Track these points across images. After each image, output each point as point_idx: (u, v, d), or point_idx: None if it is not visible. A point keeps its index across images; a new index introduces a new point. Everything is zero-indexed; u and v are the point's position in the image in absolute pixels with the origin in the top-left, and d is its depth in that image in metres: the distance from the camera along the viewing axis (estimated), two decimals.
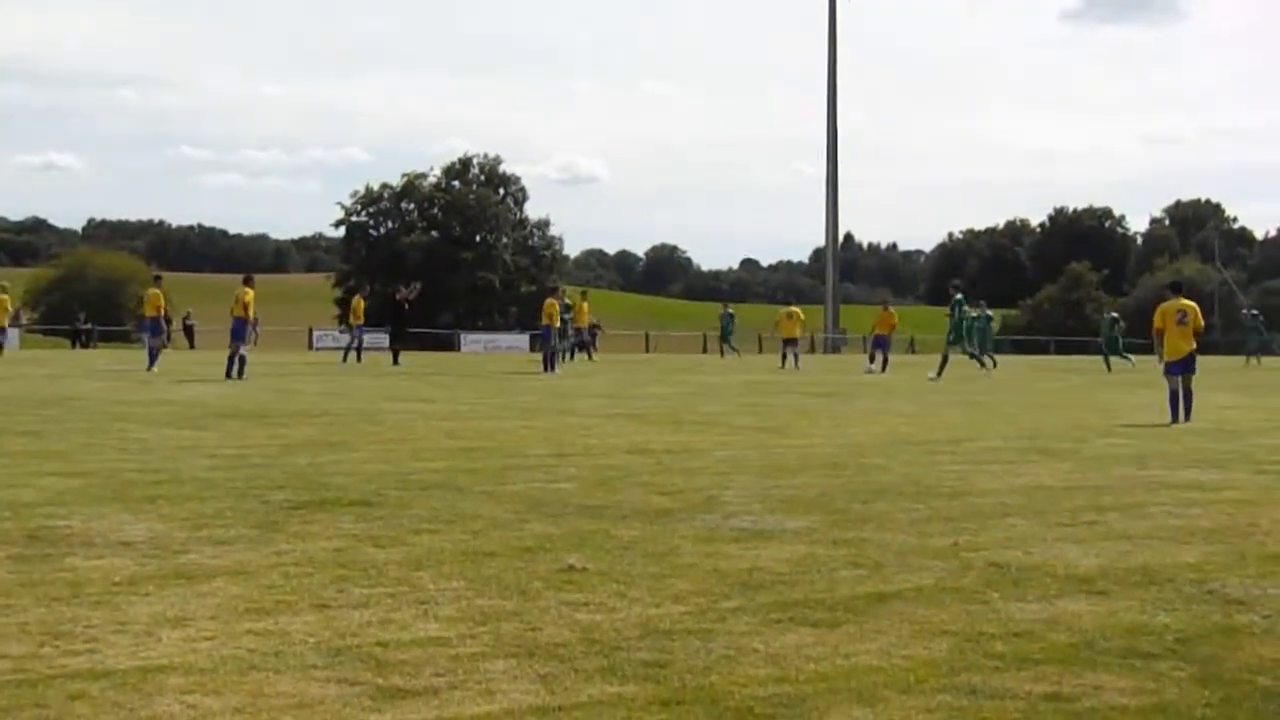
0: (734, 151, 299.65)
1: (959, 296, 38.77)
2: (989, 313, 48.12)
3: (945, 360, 37.66)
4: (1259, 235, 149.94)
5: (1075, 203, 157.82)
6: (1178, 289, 22.83)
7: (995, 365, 45.02)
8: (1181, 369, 21.09)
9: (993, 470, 13.65)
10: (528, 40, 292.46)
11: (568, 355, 45.26)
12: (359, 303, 46.61)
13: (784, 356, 46.76)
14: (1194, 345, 21.30)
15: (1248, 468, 14.21)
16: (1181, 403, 20.79)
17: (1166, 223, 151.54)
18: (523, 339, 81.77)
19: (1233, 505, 11.21)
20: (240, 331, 31.53)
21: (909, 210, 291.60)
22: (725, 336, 54.58)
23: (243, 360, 30.56)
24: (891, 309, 45.81)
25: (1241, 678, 5.78)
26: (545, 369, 37.64)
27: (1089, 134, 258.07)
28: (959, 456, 15.03)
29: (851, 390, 30.78)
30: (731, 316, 55.30)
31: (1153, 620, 6.82)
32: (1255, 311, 56.48)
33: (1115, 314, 49.71)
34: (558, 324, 39.41)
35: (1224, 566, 8.37)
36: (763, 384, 33.38)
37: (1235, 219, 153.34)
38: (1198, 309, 21.73)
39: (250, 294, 32.08)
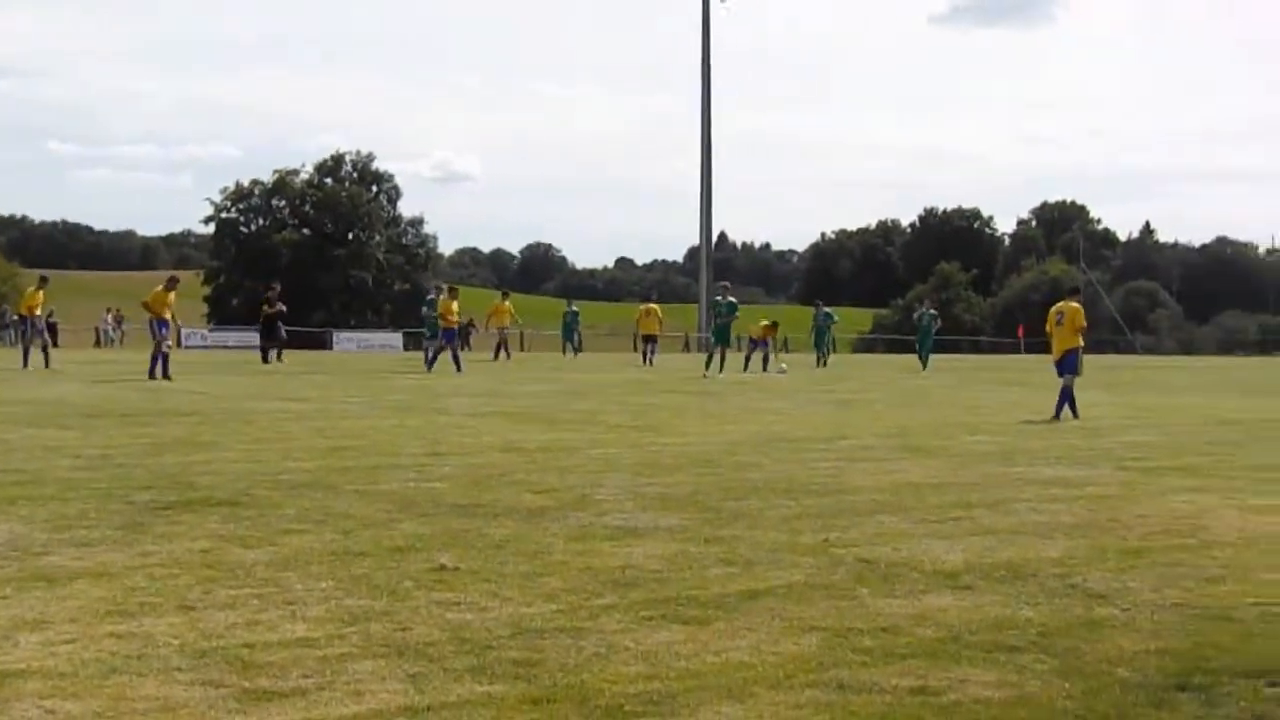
0: (609, 150, 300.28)
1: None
2: (827, 311, 48.83)
3: (723, 357, 37.63)
4: (1122, 237, 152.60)
5: (945, 203, 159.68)
6: (1074, 292, 23.41)
7: (825, 364, 45.79)
8: (1060, 368, 21.77)
9: (863, 468, 13.78)
10: (402, 37, 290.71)
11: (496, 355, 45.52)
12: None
13: (644, 354, 46.96)
14: (1074, 344, 21.77)
15: (1110, 464, 14.47)
16: (1057, 399, 21.24)
17: (1034, 224, 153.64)
18: (396, 337, 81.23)
19: (1095, 501, 11.41)
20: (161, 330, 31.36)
21: (782, 210, 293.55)
22: (568, 334, 53.96)
23: (165, 358, 30.11)
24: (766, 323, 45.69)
25: (1102, 669, 5.88)
26: (430, 368, 37.30)
27: (958, 136, 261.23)
28: (831, 454, 15.15)
29: (726, 389, 30.91)
30: (576, 314, 54.93)
31: (1017, 614, 6.93)
32: None
33: (935, 310, 50.08)
34: (456, 323, 39.04)
35: (1086, 561, 8.52)
36: (637, 382, 33.42)
37: (1100, 221, 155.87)
38: (1078, 310, 22.14)
39: (170, 296, 31.72)
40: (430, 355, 38.39)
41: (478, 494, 11.31)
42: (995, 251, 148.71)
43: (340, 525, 9.50)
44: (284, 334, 41.85)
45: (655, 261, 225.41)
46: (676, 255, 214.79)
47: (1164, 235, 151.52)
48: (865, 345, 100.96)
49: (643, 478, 12.63)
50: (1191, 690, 5.60)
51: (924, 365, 44.64)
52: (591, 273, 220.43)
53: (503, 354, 46.61)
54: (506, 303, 48.50)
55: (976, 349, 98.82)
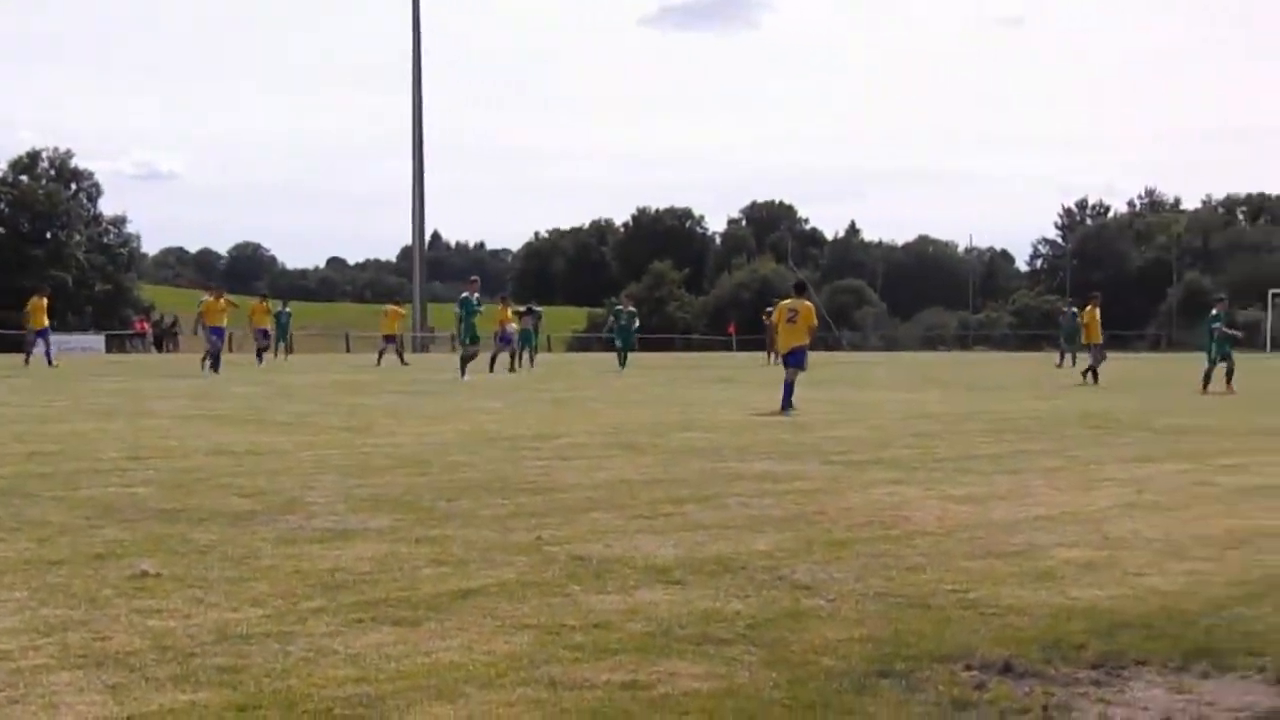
0: (320, 149, 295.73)
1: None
2: (538, 309, 49.42)
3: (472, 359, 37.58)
4: (829, 236, 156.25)
5: (657, 203, 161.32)
6: (800, 289, 24.28)
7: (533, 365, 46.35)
8: (787, 361, 22.72)
9: (576, 465, 13.85)
10: (100, 32, 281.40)
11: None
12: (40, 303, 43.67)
13: (381, 353, 46.73)
14: (803, 341, 22.73)
15: (817, 459, 14.79)
16: (782, 392, 21.86)
17: (744, 223, 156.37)
18: (98, 340, 78.90)
19: (802, 495, 11.64)
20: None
21: (496, 209, 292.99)
22: (280, 335, 53.08)
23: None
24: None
25: (808, 659, 5.99)
26: (212, 370, 36.14)
27: (668, 136, 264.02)
28: (544, 452, 15.18)
29: (440, 388, 30.76)
30: (289, 315, 54.17)
31: (726, 607, 7.02)
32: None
33: (634, 309, 50.70)
34: (224, 324, 37.96)
35: (793, 553, 8.69)
36: (350, 384, 33.07)
37: (807, 220, 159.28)
38: (811, 309, 22.88)
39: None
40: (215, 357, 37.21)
41: (182, 498, 11.03)
42: (706, 250, 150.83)
43: (36, 533, 9.15)
44: None
45: (368, 261, 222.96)
46: (390, 254, 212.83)
47: (869, 234, 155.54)
48: (580, 344, 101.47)
49: (354, 479, 12.49)
50: (893, 676, 5.74)
51: (623, 364, 44.97)
52: (303, 273, 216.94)
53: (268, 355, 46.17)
54: (266, 303, 47.63)
55: (689, 346, 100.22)
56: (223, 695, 5.38)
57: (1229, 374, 30.15)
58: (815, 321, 23.06)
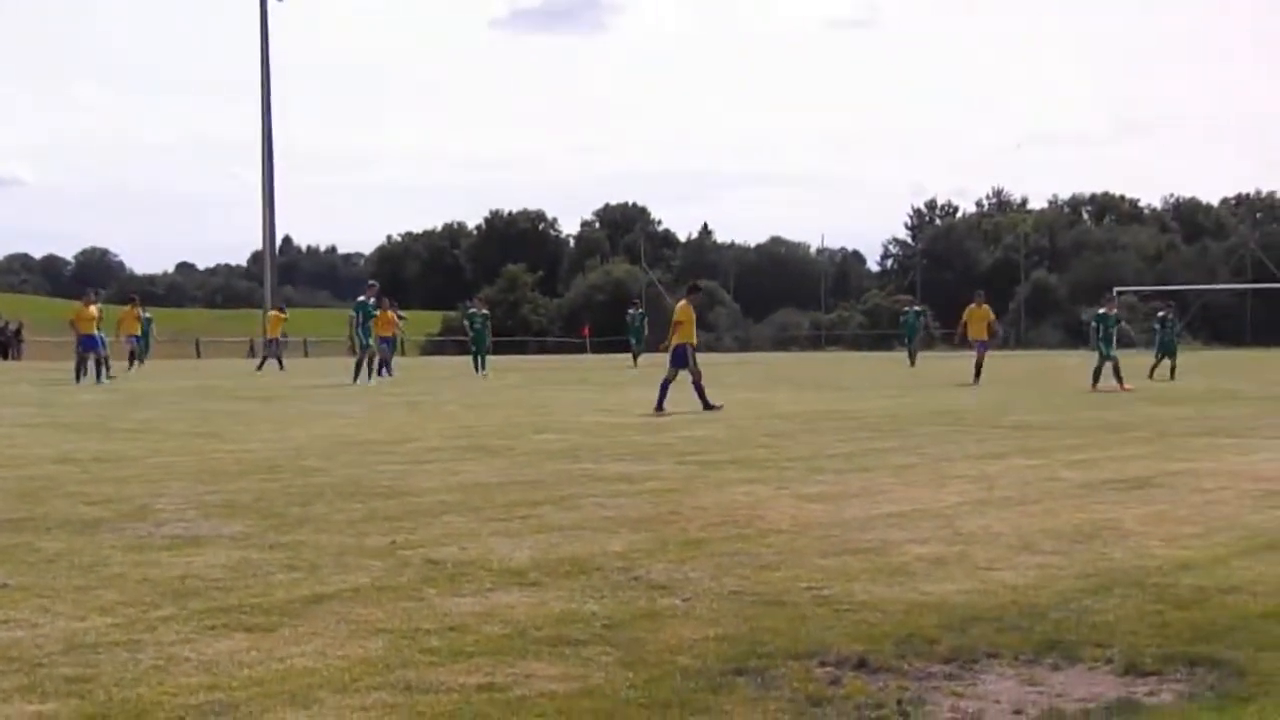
0: (168, 154, 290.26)
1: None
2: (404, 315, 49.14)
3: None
4: (682, 238, 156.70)
5: (510, 206, 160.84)
6: (692, 290, 24.76)
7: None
8: (675, 362, 23.62)
9: (431, 469, 13.78)
10: None
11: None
12: None
13: (264, 359, 46.62)
14: (684, 339, 23.81)
15: (672, 459, 14.86)
16: (661, 390, 23.00)
17: (597, 225, 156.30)
18: None
19: (657, 495, 11.68)
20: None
21: (347, 213, 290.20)
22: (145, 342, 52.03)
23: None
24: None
25: (664, 658, 6.01)
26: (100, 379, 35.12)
27: (521, 139, 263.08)
28: (399, 456, 15.10)
29: (293, 394, 30.46)
30: (149, 320, 53.23)
31: (582, 608, 7.03)
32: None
33: (486, 311, 50.37)
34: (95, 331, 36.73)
35: (648, 553, 8.72)
36: (201, 389, 32.63)
37: (660, 222, 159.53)
38: (680, 307, 24.15)
39: None
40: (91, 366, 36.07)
41: (29, 507, 10.82)
42: (560, 253, 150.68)
43: None
44: None
45: (219, 266, 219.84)
46: (240, 259, 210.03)
47: (722, 236, 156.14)
48: (435, 347, 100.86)
49: (205, 485, 12.33)
50: (748, 674, 5.78)
51: (480, 367, 44.78)
52: (151, 278, 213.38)
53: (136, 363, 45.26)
54: (135, 309, 46.74)
55: (544, 349, 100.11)
56: (71, 705, 5.28)
57: (1116, 371, 30.27)
58: (682, 319, 23.62)
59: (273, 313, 49.90)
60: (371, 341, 36.26)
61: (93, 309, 36.69)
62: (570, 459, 14.81)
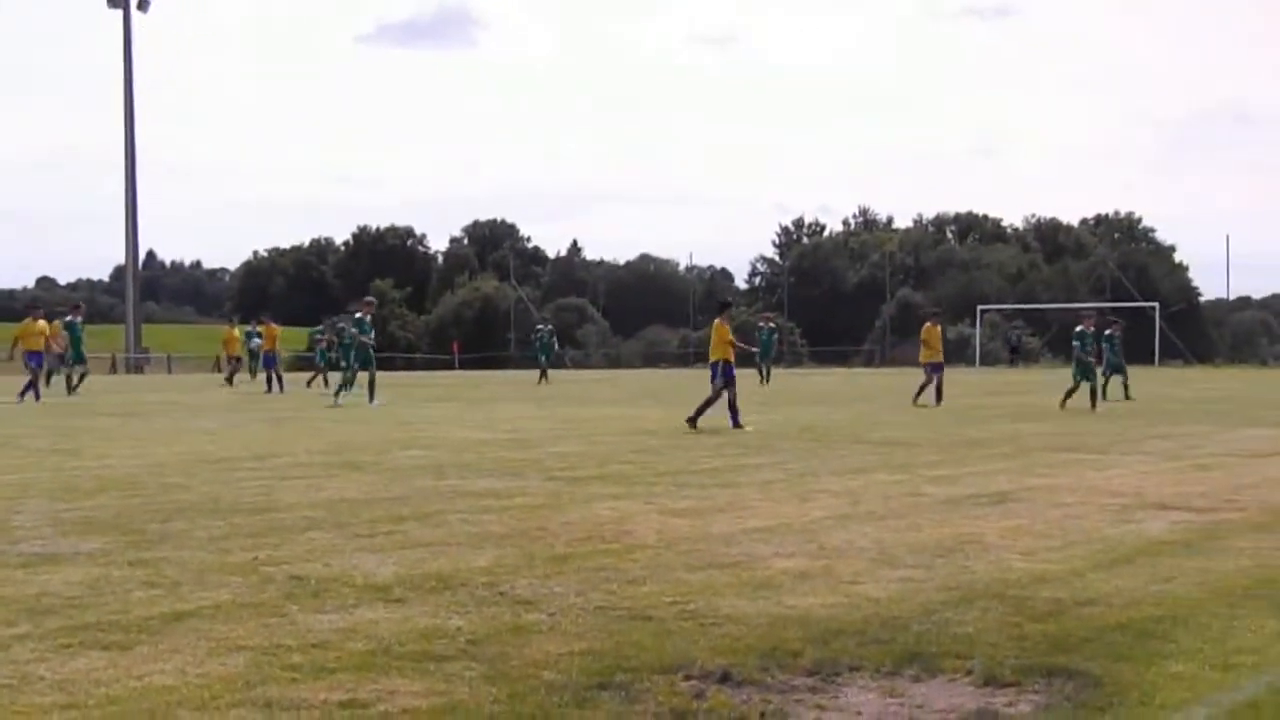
0: (26, 167, 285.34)
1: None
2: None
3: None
4: (551, 254, 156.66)
5: (378, 222, 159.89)
6: (723, 306, 25.41)
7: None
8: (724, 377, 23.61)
9: (296, 485, 13.65)
10: None
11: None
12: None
13: (233, 374, 47.00)
14: (717, 356, 24.15)
15: (539, 475, 14.84)
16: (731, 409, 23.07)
17: (465, 242, 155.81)
18: None
19: (525, 511, 11.66)
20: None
21: (212, 228, 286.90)
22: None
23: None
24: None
25: (529, 673, 6.01)
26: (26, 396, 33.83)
27: (389, 154, 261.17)
28: (263, 472, 14.94)
29: (154, 409, 30.04)
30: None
31: (446, 624, 7.00)
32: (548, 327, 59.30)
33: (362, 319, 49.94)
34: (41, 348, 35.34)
35: (514, 569, 8.70)
36: (59, 406, 32.07)
37: (529, 239, 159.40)
38: (716, 326, 24.43)
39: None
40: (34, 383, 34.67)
41: None
42: (429, 269, 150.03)
43: None
44: None
45: (80, 280, 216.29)
46: (103, 274, 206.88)
47: (591, 253, 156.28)
48: (302, 364, 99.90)
49: (62, 502, 12.12)
50: (613, 688, 5.78)
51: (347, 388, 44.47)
52: (11, 293, 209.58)
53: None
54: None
55: (412, 366, 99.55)
56: None
57: (1092, 392, 29.90)
58: (719, 338, 24.15)
59: (233, 330, 48.49)
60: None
61: (40, 324, 35.63)
62: (437, 475, 14.73)
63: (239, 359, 48.18)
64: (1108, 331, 34.58)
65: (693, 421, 22.95)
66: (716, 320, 24.72)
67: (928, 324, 33.25)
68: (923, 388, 31.52)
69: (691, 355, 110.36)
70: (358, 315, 34.33)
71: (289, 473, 14.96)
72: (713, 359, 24.31)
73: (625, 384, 48.71)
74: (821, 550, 9.52)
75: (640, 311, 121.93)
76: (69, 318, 38.58)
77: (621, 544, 9.84)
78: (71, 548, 9.50)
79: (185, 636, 6.67)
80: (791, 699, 5.72)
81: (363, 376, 32.82)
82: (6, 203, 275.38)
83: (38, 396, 33.20)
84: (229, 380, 46.94)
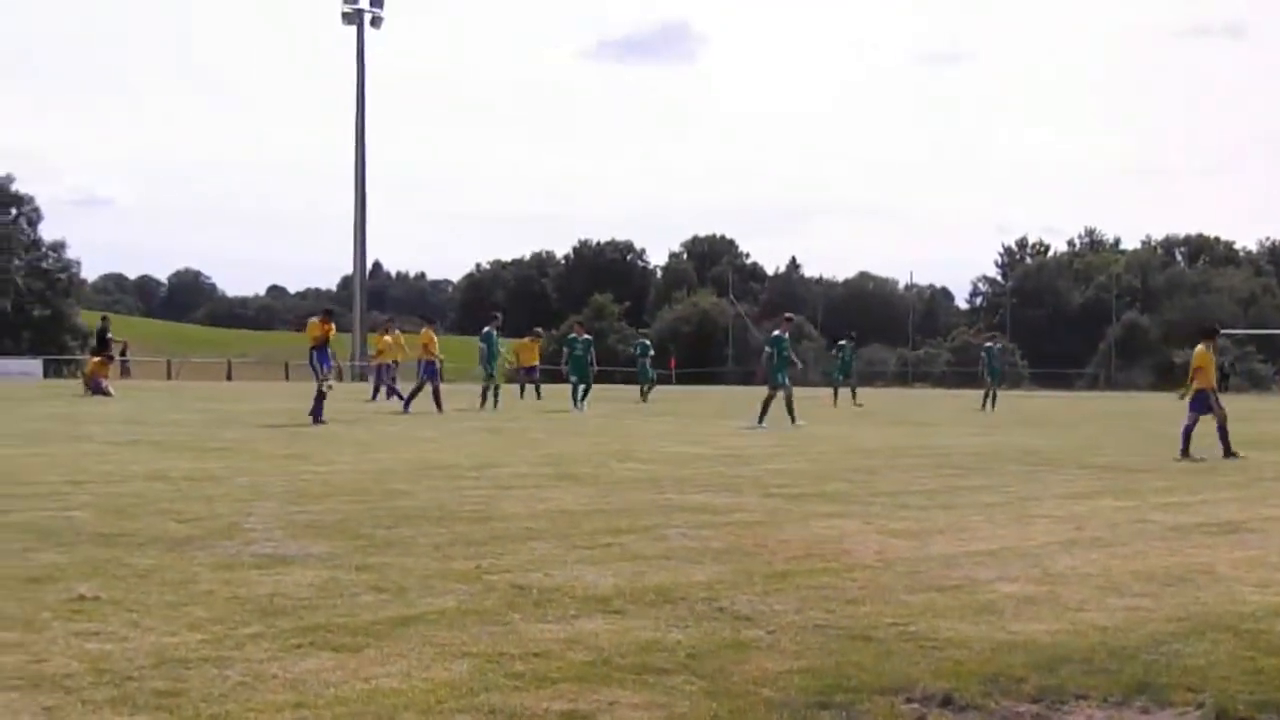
0: (261, 177, 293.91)
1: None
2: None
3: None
4: (770, 271, 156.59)
5: (598, 236, 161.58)
6: (1207, 334, 23.63)
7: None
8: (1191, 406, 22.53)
9: (517, 495, 13.82)
10: (34, 54, 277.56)
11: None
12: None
13: (376, 388, 47.35)
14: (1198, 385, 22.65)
15: (757, 492, 14.81)
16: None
17: (684, 257, 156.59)
18: (35, 364, 78.31)
19: (743, 527, 11.65)
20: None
21: (437, 240, 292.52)
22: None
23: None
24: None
25: (748, 690, 6.00)
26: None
27: (610, 170, 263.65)
28: (484, 482, 15.15)
29: (377, 418, 30.66)
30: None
31: (666, 637, 7.02)
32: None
33: (588, 336, 49.73)
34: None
35: (733, 585, 8.69)
36: (285, 411, 32.88)
37: (748, 255, 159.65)
38: (1198, 352, 22.75)
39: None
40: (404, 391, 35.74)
41: (121, 523, 10.95)
42: (647, 284, 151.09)
43: None
44: None
45: (309, 290, 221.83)
46: (330, 284, 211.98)
47: (809, 270, 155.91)
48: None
49: (293, 506, 12.43)
50: (833, 708, 5.75)
51: (580, 399, 44.07)
52: (244, 301, 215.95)
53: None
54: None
55: (629, 380, 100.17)
56: (160, 719, 5.33)
57: None
58: (1200, 365, 22.68)
59: (387, 338, 48.57)
60: (495, 371, 36.05)
61: (388, 337, 36.76)
62: (654, 489, 14.80)
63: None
64: None
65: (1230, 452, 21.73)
66: (1200, 346, 22.89)
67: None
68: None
69: (909, 374, 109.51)
70: (775, 333, 30.70)
71: (509, 483, 15.15)
72: (1199, 387, 22.60)
73: (843, 402, 48.31)
74: (1045, 575, 9.36)
75: (858, 329, 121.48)
76: (486, 328, 38.19)
77: (840, 563, 9.78)
78: (301, 550, 9.73)
79: (411, 641, 6.78)
80: None
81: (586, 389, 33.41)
82: (239, 210, 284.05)
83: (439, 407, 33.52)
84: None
